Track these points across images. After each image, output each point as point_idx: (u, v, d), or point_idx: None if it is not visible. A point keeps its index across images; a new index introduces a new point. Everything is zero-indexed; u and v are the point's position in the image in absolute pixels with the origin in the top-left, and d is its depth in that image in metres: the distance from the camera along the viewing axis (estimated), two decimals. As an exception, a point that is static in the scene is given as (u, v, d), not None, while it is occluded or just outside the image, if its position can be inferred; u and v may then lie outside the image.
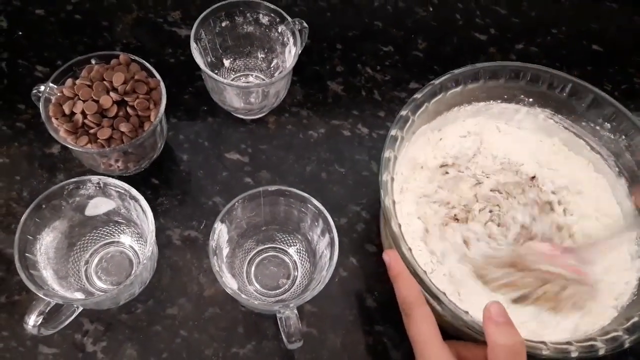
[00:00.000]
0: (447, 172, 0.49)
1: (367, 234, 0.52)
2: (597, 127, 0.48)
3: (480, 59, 0.64)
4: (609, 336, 0.38)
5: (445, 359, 0.37)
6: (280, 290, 0.49)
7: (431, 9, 0.67)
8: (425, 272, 0.39)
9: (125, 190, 0.44)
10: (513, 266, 0.43)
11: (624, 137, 0.46)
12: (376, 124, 0.59)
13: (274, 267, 0.50)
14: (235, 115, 0.57)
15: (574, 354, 0.36)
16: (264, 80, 0.59)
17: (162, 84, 0.49)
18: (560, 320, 0.41)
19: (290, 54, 0.54)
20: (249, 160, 0.55)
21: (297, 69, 0.58)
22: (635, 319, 0.38)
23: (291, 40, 0.54)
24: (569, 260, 0.41)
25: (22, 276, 0.40)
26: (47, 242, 0.44)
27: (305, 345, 0.46)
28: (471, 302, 0.41)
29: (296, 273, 0.49)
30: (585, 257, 0.41)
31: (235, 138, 0.57)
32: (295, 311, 0.40)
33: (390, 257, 0.41)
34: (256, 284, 0.49)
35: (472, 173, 0.49)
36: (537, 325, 0.41)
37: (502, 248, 0.45)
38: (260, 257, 0.50)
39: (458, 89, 0.48)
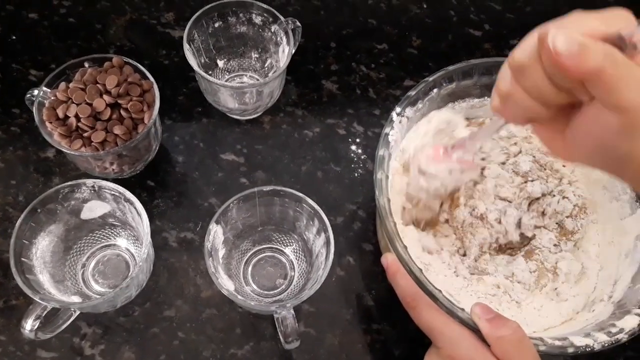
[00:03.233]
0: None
1: (363, 232, 0.52)
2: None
3: (475, 55, 0.64)
4: (605, 331, 0.38)
5: (468, 335, 0.36)
6: (277, 290, 0.49)
7: (425, 6, 0.67)
8: (421, 270, 0.39)
9: (120, 193, 0.44)
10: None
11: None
12: (371, 122, 0.58)
13: (270, 267, 0.50)
14: (230, 115, 0.57)
15: (571, 350, 0.36)
16: (258, 80, 0.59)
17: (155, 86, 0.49)
18: (558, 314, 0.41)
19: (284, 54, 0.54)
20: (245, 161, 0.55)
21: (292, 68, 0.58)
22: (632, 313, 0.38)
23: (284, 39, 0.54)
24: (454, 155, 0.42)
25: (18, 281, 0.40)
26: (43, 246, 0.45)
27: (303, 345, 0.46)
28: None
29: (293, 273, 0.49)
30: (467, 148, 0.41)
31: (230, 139, 0.56)
32: (292, 311, 0.40)
33: (387, 259, 0.42)
34: (253, 285, 0.49)
35: None
36: (535, 321, 0.41)
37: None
38: (257, 258, 0.50)
39: (452, 85, 0.48)
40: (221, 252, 0.46)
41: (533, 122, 0.33)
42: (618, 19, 0.27)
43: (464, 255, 0.47)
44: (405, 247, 0.40)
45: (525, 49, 0.29)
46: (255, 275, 0.49)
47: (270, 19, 0.54)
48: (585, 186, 0.49)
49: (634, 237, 0.44)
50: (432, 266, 0.46)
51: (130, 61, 0.49)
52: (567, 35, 0.26)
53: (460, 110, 0.50)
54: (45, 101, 0.47)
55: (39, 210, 0.43)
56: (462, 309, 0.37)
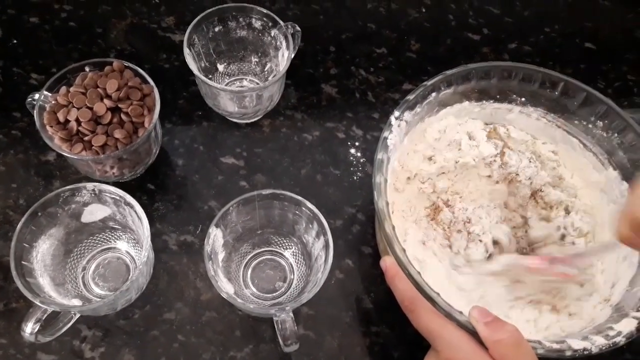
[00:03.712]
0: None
1: (362, 235, 0.53)
2: (590, 125, 0.48)
3: (474, 59, 0.64)
4: (603, 334, 0.38)
5: (466, 338, 0.37)
6: (277, 293, 0.49)
7: (424, 10, 0.68)
8: (419, 273, 0.39)
9: (120, 196, 0.44)
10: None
11: (616, 134, 0.47)
12: (370, 125, 0.59)
13: (270, 270, 0.50)
14: (230, 119, 0.57)
15: (569, 353, 0.36)
16: (258, 84, 0.59)
17: (155, 90, 0.49)
18: (554, 319, 0.41)
19: (284, 58, 0.54)
20: (244, 164, 0.56)
21: (291, 72, 0.59)
22: (629, 317, 0.38)
23: (284, 44, 0.54)
24: (556, 269, 0.42)
25: (19, 284, 0.40)
26: (44, 249, 0.45)
27: (303, 348, 0.46)
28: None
29: (292, 276, 0.49)
30: (573, 264, 0.41)
31: (230, 142, 0.57)
32: (291, 314, 0.40)
33: (386, 262, 0.42)
34: (253, 288, 0.49)
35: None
36: (531, 325, 0.41)
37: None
38: (257, 261, 0.50)
39: (450, 89, 0.48)
40: (221, 255, 0.46)
41: None
42: None
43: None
44: (404, 250, 0.40)
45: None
46: (255, 278, 0.49)
47: (270, 24, 0.54)
48: (584, 190, 0.50)
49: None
50: (427, 263, 0.46)
51: (131, 65, 0.50)
52: None
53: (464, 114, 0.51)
54: (46, 105, 0.47)
55: (39, 214, 0.43)
56: (460, 312, 0.37)
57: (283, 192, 0.44)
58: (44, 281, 0.44)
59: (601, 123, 0.47)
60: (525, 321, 0.43)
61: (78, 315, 0.43)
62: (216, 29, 0.55)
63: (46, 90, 0.48)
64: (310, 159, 0.56)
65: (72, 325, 0.43)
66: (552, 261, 0.42)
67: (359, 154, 0.57)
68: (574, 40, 0.67)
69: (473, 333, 0.36)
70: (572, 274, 0.41)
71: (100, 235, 0.49)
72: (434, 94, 0.47)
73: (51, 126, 0.47)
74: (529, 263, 0.43)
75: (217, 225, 0.43)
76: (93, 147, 0.47)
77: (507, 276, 0.45)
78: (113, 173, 0.50)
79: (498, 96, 0.50)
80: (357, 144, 0.58)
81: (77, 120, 0.47)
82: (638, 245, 0.33)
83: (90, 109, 0.47)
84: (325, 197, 0.54)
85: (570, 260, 0.41)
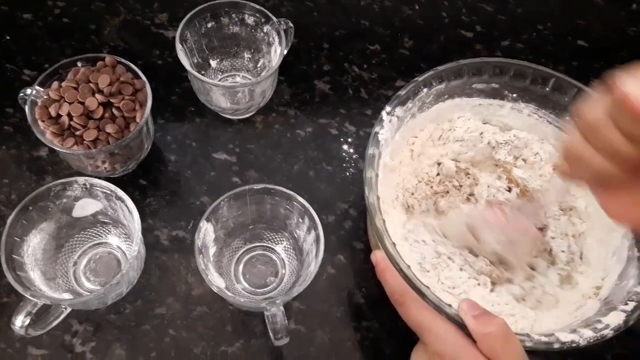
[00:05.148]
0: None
1: (354, 231, 0.53)
2: (581, 121, 0.48)
3: (466, 56, 0.63)
4: (591, 327, 0.38)
5: (454, 331, 0.37)
6: (268, 288, 0.49)
7: (417, 7, 0.68)
8: (409, 266, 0.39)
9: (112, 190, 0.44)
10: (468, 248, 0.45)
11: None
12: (363, 122, 0.59)
13: (261, 265, 0.50)
14: (223, 115, 0.57)
15: (557, 345, 0.36)
16: (251, 80, 0.59)
17: (147, 86, 0.49)
18: (541, 313, 0.41)
19: (276, 54, 0.54)
20: (237, 160, 0.56)
21: (284, 68, 0.59)
22: (617, 310, 0.38)
23: (277, 40, 0.54)
24: (512, 220, 0.42)
25: (9, 277, 0.40)
26: (35, 243, 0.45)
27: (293, 342, 0.46)
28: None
29: (284, 271, 0.49)
30: (529, 212, 0.42)
31: (222, 138, 0.57)
32: (282, 308, 0.40)
33: (376, 256, 0.42)
34: (244, 283, 0.49)
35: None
36: (519, 318, 0.41)
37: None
38: (248, 256, 0.50)
39: (442, 85, 0.48)
40: (212, 250, 0.46)
41: (606, 185, 0.31)
42: None
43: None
44: (394, 244, 0.40)
45: (592, 105, 0.28)
46: (247, 273, 0.49)
47: (263, 20, 0.54)
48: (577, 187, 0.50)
49: (621, 234, 0.45)
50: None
51: (123, 60, 0.50)
52: (638, 77, 0.25)
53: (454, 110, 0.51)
54: (37, 100, 0.47)
55: (30, 208, 0.43)
56: (450, 305, 0.37)
57: (274, 186, 0.44)
58: (35, 275, 0.44)
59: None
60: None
61: (69, 310, 0.43)
62: (209, 25, 0.55)
63: (38, 85, 0.48)
64: (303, 155, 0.56)
65: (63, 319, 0.43)
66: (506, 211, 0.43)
67: (351, 150, 0.57)
68: (567, 38, 0.67)
69: (462, 326, 0.36)
70: (527, 225, 0.42)
71: (92, 230, 0.49)
72: (425, 90, 0.47)
73: (43, 121, 0.47)
74: (488, 214, 0.44)
75: (207, 220, 0.43)
76: (85, 142, 0.47)
77: (461, 242, 0.46)
78: (105, 168, 0.50)
79: (490, 92, 0.50)
80: (349, 140, 0.58)
81: (69, 115, 0.47)
82: (574, 177, 0.32)
83: (82, 103, 0.47)
84: (317, 193, 0.54)
85: (523, 205, 0.42)
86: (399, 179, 0.50)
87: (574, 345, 0.36)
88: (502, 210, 0.44)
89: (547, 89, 0.49)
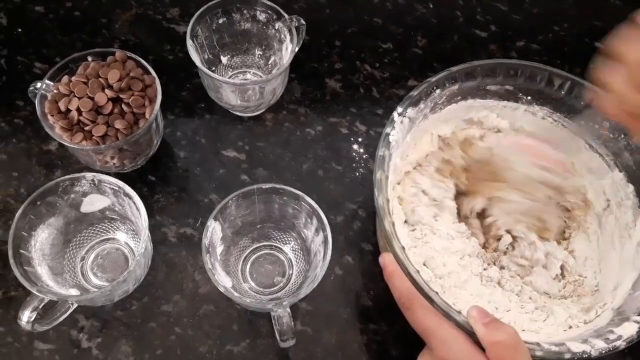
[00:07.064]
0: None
1: (363, 232, 0.52)
2: (596, 126, 0.47)
3: (480, 56, 0.63)
4: (603, 338, 0.37)
5: (462, 337, 0.36)
6: (275, 288, 0.49)
7: (431, 6, 0.67)
8: (417, 271, 0.38)
9: (119, 187, 0.44)
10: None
11: (623, 135, 0.46)
12: (374, 121, 0.58)
13: (269, 265, 0.49)
14: (233, 112, 0.57)
15: (567, 356, 0.36)
16: (261, 77, 0.59)
17: (157, 81, 0.49)
18: (553, 320, 0.41)
19: (287, 51, 0.54)
20: (246, 158, 0.55)
21: (295, 66, 0.58)
22: (630, 320, 0.38)
23: (288, 37, 0.53)
24: (545, 149, 0.44)
25: (16, 272, 0.40)
26: (43, 238, 0.45)
27: (300, 343, 0.46)
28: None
29: (291, 271, 0.49)
30: (554, 143, 0.44)
31: (232, 135, 0.56)
32: (288, 309, 0.40)
33: (385, 259, 0.42)
34: (251, 282, 0.49)
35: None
36: (530, 326, 0.41)
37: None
38: (256, 255, 0.50)
39: (455, 86, 0.47)
40: (219, 249, 0.46)
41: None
42: None
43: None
44: (403, 248, 0.39)
45: (621, 37, 0.29)
46: (254, 273, 0.49)
47: (275, 16, 0.54)
48: (590, 192, 0.49)
49: (635, 243, 0.44)
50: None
51: (133, 56, 0.49)
52: None
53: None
54: (48, 94, 0.47)
55: (38, 203, 0.43)
56: (459, 312, 0.37)
57: (282, 186, 0.44)
58: (42, 270, 0.43)
59: (608, 124, 0.46)
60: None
61: (75, 305, 0.43)
62: (220, 21, 0.54)
63: (48, 79, 0.48)
64: (313, 154, 0.56)
65: (70, 315, 0.43)
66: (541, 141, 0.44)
67: (361, 150, 0.56)
68: (583, 39, 0.66)
69: (471, 333, 0.36)
70: (560, 159, 0.43)
71: (100, 226, 0.49)
72: (438, 91, 0.47)
73: (52, 115, 0.47)
74: (520, 139, 0.45)
75: (215, 219, 0.43)
76: (93, 137, 0.46)
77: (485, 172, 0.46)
78: (114, 164, 0.50)
79: (503, 94, 0.49)
80: (360, 139, 0.57)
81: (78, 110, 0.46)
82: (611, 112, 0.34)
83: (92, 98, 0.47)
84: (326, 193, 0.54)
85: (556, 142, 0.43)
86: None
87: (585, 356, 0.36)
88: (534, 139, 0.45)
89: (562, 91, 0.48)
